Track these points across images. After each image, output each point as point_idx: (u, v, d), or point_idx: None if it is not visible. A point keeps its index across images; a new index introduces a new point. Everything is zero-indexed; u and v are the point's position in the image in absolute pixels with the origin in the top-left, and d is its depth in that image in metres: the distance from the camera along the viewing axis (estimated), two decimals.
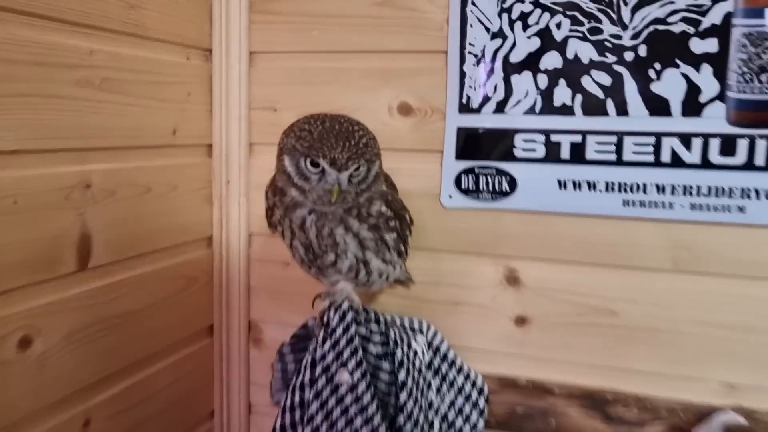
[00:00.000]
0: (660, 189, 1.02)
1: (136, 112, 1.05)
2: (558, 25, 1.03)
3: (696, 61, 0.97)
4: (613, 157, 1.03)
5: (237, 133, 1.25)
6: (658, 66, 0.99)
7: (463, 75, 1.10)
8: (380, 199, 0.94)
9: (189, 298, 1.21)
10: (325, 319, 0.97)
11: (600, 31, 1.01)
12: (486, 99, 1.09)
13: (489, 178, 1.11)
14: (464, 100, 1.10)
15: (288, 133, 0.90)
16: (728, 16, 0.95)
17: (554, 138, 1.06)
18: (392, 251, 0.98)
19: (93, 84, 0.95)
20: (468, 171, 1.12)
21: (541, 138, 1.06)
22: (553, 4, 1.03)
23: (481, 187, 1.12)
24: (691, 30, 0.97)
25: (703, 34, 0.97)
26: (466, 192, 1.13)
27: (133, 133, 1.05)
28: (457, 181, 1.13)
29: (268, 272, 1.30)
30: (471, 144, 1.11)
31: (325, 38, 1.20)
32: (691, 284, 1.05)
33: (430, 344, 1.12)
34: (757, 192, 0.98)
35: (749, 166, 0.97)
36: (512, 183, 1.09)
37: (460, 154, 1.12)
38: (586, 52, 1.02)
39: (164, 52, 1.10)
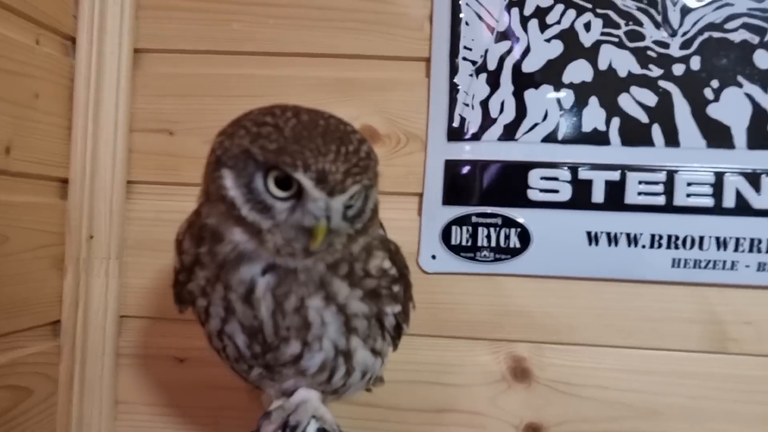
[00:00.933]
0: (721, 244, 0.77)
1: None
2: (587, 26, 0.78)
3: (763, 78, 0.76)
4: (660, 200, 0.77)
5: (109, 163, 0.84)
6: (715, 83, 0.77)
7: (454, 89, 0.80)
8: (382, 249, 0.58)
9: (18, 425, 0.73)
10: None
11: (641, 37, 0.77)
12: (489, 122, 0.79)
13: (492, 230, 0.80)
14: (456, 123, 0.80)
15: (232, 132, 0.52)
16: None
17: (583, 174, 0.78)
18: (386, 335, 0.62)
19: None
20: (460, 221, 0.80)
21: (566, 174, 0.78)
22: None
23: (479, 242, 0.80)
24: (755, 39, 0.76)
25: None
26: (456, 250, 0.80)
27: None
28: (445, 236, 0.81)
29: (150, 376, 0.86)
30: (465, 183, 0.80)
31: (251, 34, 0.85)
32: (756, 369, 0.79)
33: None
34: None
35: None
36: (524, 237, 0.79)
37: (449, 198, 0.80)
38: (623, 62, 0.78)
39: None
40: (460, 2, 0.80)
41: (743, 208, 0.77)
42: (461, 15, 0.80)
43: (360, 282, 0.56)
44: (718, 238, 0.77)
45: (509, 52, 0.79)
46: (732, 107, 0.77)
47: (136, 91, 0.85)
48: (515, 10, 0.79)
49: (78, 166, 0.81)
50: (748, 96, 0.76)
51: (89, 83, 0.82)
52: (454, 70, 0.80)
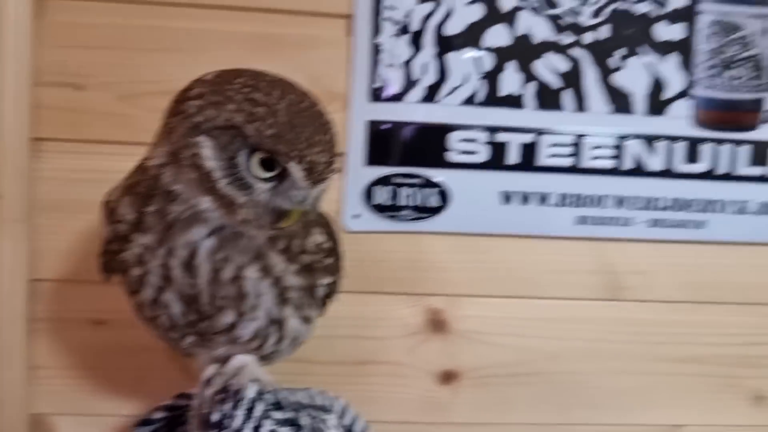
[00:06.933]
0: (619, 202, 0.84)
1: None
2: None
3: (661, 48, 0.82)
4: (569, 162, 0.83)
5: (15, 121, 0.78)
6: (621, 52, 0.81)
7: (376, 49, 0.80)
8: (319, 224, 0.60)
9: None
10: (218, 415, 0.59)
11: (555, 4, 0.81)
12: (411, 83, 0.81)
13: (413, 190, 0.82)
14: (378, 84, 0.81)
15: (217, 102, 0.49)
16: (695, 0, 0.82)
17: (500, 137, 0.82)
18: (318, 304, 0.64)
19: None
20: (383, 181, 0.82)
21: (484, 137, 0.82)
22: None
23: (400, 202, 0.83)
24: (656, 11, 0.81)
25: (670, 18, 0.81)
26: (379, 209, 0.83)
27: None
28: (367, 195, 0.82)
29: (64, 339, 0.84)
30: (387, 144, 0.82)
31: None
32: (645, 313, 0.88)
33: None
34: (718, 204, 0.85)
35: (712, 175, 0.84)
36: (443, 196, 0.83)
37: (372, 159, 0.82)
38: (539, 28, 0.81)
39: None
40: None
41: (639, 169, 0.84)
42: None
43: (296, 257, 0.57)
44: (617, 197, 0.84)
45: (432, 13, 0.80)
46: (634, 76, 0.82)
47: (42, 43, 0.80)
48: None
49: None
50: (648, 65, 0.82)
51: None
52: (376, 29, 0.80)
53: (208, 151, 0.50)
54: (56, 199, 0.82)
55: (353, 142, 0.82)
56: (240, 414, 0.58)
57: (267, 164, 0.50)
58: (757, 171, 0.85)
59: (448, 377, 0.88)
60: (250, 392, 0.59)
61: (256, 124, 0.48)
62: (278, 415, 0.64)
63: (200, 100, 0.50)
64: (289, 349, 0.65)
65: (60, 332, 0.84)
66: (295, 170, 0.49)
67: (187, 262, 0.54)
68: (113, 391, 0.84)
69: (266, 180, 0.50)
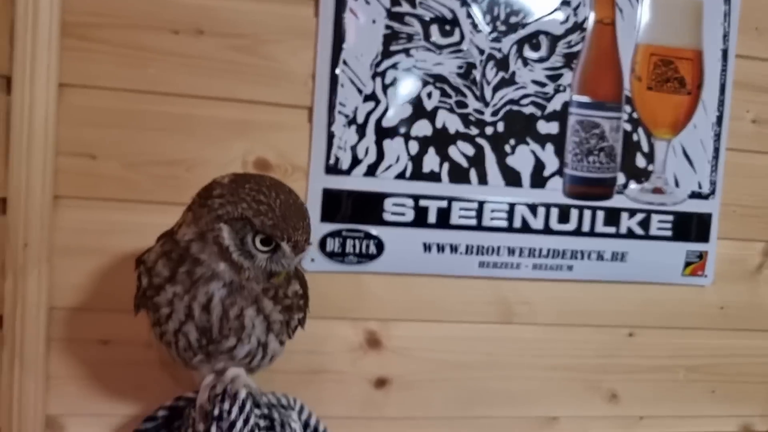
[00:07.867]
0: (510, 251, 1.12)
1: None
2: (429, 95, 1.06)
3: (542, 139, 1.11)
4: (474, 222, 1.10)
5: (40, 183, 0.99)
6: (512, 141, 1.10)
7: (331, 135, 1.05)
8: (296, 277, 0.85)
9: None
10: (218, 411, 0.83)
11: (465, 105, 1.08)
12: (356, 162, 1.06)
13: (356, 241, 1.08)
14: (332, 162, 1.06)
15: (234, 201, 0.74)
16: (566, 105, 1.11)
17: (422, 203, 1.08)
18: (290, 332, 0.89)
19: None
20: (333, 234, 1.07)
21: (410, 203, 1.08)
22: (425, 75, 1.06)
23: (347, 250, 1.08)
24: (538, 113, 1.10)
25: (548, 118, 1.10)
26: (330, 255, 1.08)
27: None
28: (321, 245, 1.07)
29: (77, 355, 1.05)
30: (337, 206, 1.07)
31: (163, 78, 1.03)
32: (530, 333, 1.18)
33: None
34: (582, 253, 1.15)
35: (578, 232, 1.14)
36: (380, 246, 1.08)
37: (325, 217, 1.07)
38: (453, 123, 1.08)
39: None
40: (338, 69, 1.04)
41: (525, 227, 1.12)
42: (338, 78, 1.04)
43: (281, 301, 0.83)
44: (509, 247, 1.12)
45: (373, 110, 1.06)
46: (522, 159, 1.10)
47: (61, 121, 1.00)
48: (378, 79, 1.05)
49: (16, 186, 0.96)
50: (532, 152, 1.11)
51: (23, 116, 0.96)
52: (331, 120, 1.05)
53: (226, 234, 0.75)
54: (71, 244, 1.02)
55: (311, 204, 1.06)
56: (235, 410, 0.83)
57: (265, 242, 0.75)
58: (610, 229, 1.15)
59: (381, 383, 1.14)
60: (243, 394, 0.84)
61: (261, 217, 0.74)
62: (257, 411, 0.89)
63: (221, 199, 0.75)
64: (268, 364, 0.90)
65: (72, 349, 1.04)
66: (285, 247, 0.75)
67: (205, 305, 0.78)
68: (115, 397, 1.06)
69: (264, 252, 0.75)
